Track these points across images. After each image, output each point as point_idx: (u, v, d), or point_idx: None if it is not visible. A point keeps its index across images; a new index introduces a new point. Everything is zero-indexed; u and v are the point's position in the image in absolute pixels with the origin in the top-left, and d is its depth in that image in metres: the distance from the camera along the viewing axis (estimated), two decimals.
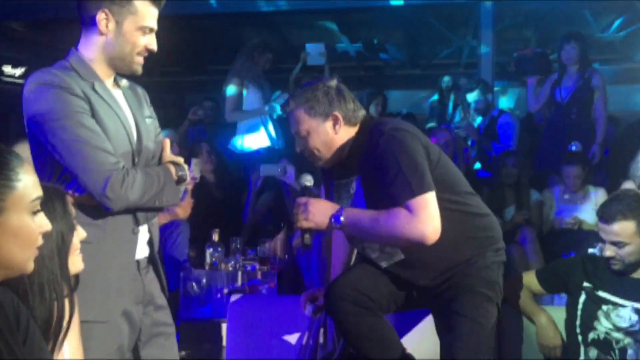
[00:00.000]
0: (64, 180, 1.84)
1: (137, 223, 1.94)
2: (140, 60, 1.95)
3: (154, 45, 1.95)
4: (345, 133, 2.29)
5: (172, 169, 1.95)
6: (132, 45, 1.90)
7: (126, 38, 1.89)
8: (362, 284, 2.39)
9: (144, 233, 1.99)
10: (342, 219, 2.15)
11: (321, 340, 2.72)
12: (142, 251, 1.99)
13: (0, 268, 1.16)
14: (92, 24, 1.88)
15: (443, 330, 2.31)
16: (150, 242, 2.02)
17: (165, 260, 3.51)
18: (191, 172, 2.09)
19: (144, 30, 1.91)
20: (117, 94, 1.98)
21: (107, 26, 1.87)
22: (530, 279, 2.70)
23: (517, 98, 7.82)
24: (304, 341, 2.76)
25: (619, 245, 2.39)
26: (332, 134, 2.27)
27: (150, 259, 2.04)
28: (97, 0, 1.86)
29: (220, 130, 5.84)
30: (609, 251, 2.42)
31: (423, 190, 2.08)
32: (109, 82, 1.96)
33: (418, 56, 8.33)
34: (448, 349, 2.24)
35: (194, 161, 2.13)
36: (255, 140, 5.11)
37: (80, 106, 1.80)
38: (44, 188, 1.24)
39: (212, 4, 6.00)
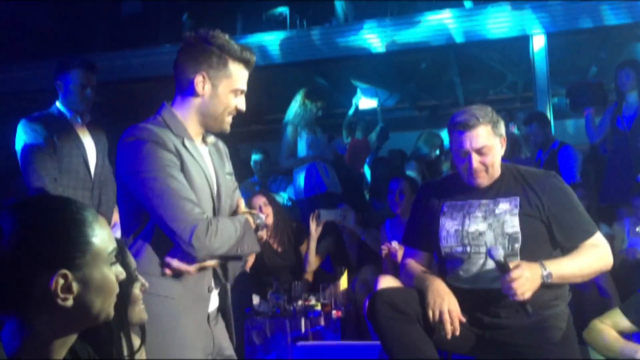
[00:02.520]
0: (151, 230, 1.90)
1: (226, 279, 2.01)
2: (229, 120, 2.04)
3: (243, 106, 2.04)
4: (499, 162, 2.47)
5: (250, 218, 2.01)
6: (225, 106, 2.00)
7: (220, 99, 1.98)
8: (409, 297, 2.40)
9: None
10: (553, 274, 2.24)
11: None
12: (213, 303, 2.02)
13: (85, 320, 1.19)
14: (189, 86, 1.98)
15: None
16: (222, 293, 2.06)
17: None
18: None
19: (237, 92, 2.01)
20: (204, 150, 2.06)
21: (203, 88, 1.97)
22: (615, 317, 2.53)
23: (578, 130, 7.64)
24: None
25: None
26: (500, 154, 2.46)
27: (221, 308, 2.07)
28: (196, 65, 1.96)
29: (272, 179, 5.93)
30: None
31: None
32: (197, 139, 2.03)
33: (473, 93, 8.27)
34: None
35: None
36: (312, 186, 5.14)
37: (171, 160, 1.88)
38: None
39: (265, 54, 6.16)
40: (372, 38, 5.92)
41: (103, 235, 1.20)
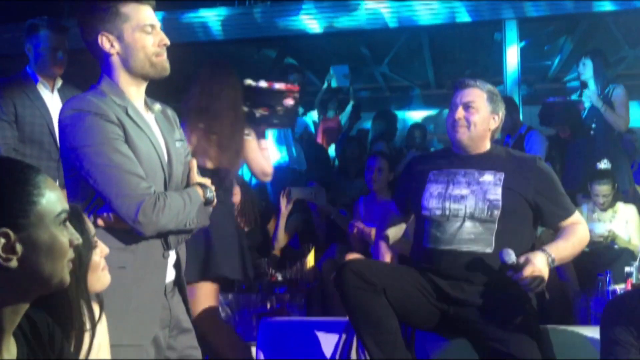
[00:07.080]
0: (96, 204, 1.86)
1: (168, 247, 1.94)
2: (161, 59, 1.93)
3: (165, 40, 1.94)
4: (489, 136, 2.62)
5: (200, 191, 1.97)
6: (142, 49, 1.90)
7: (133, 46, 1.89)
8: (378, 268, 2.46)
9: (171, 256, 2.00)
10: (556, 258, 2.42)
11: (353, 355, 2.70)
12: (169, 274, 2.00)
13: (37, 285, 1.16)
14: (100, 52, 1.91)
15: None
16: (177, 265, 2.04)
17: None
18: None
19: (145, 29, 1.91)
20: (149, 117, 1.99)
21: (112, 45, 1.89)
22: None
23: None
24: (336, 356, 2.74)
25: None
26: (488, 127, 2.59)
27: (176, 282, 2.05)
28: (92, 28, 1.89)
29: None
30: None
31: None
32: (140, 103, 1.97)
33: (443, 76, 8.31)
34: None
35: None
36: (277, 155, 5.15)
37: (115, 132, 1.83)
38: None
39: (231, 30, 6.06)
40: (347, 17, 5.88)
41: (50, 196, 1.16)
